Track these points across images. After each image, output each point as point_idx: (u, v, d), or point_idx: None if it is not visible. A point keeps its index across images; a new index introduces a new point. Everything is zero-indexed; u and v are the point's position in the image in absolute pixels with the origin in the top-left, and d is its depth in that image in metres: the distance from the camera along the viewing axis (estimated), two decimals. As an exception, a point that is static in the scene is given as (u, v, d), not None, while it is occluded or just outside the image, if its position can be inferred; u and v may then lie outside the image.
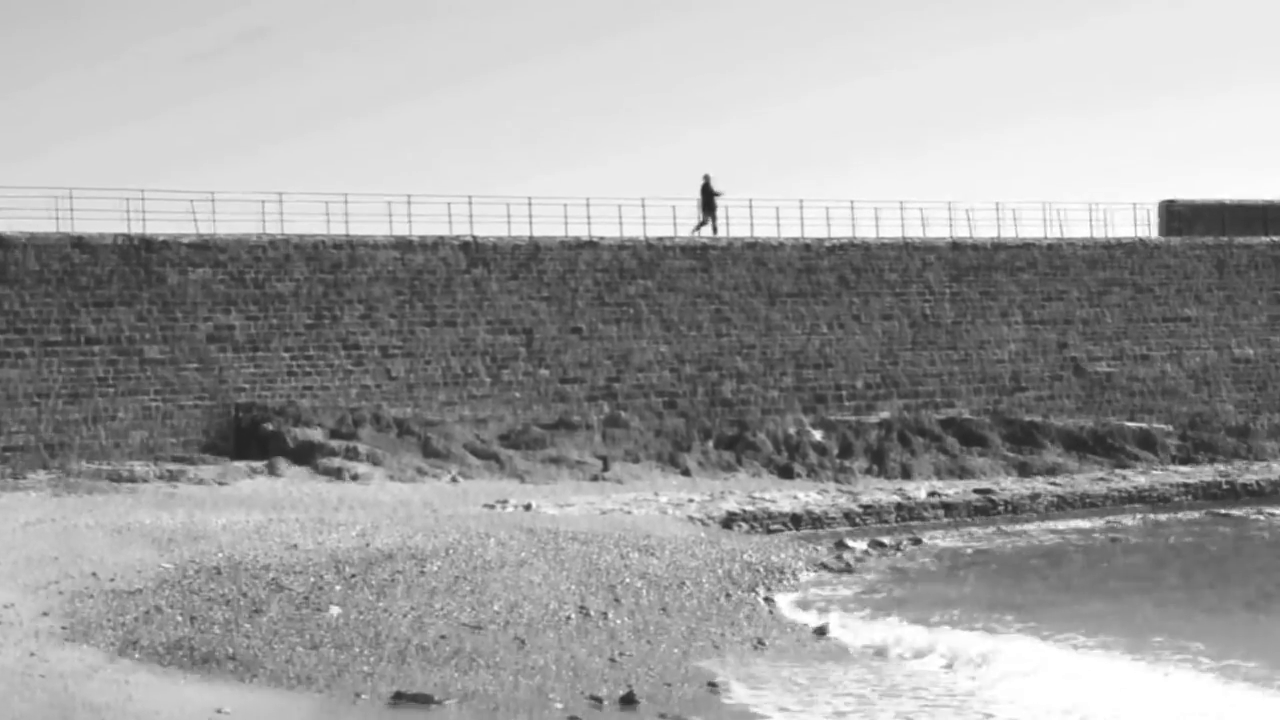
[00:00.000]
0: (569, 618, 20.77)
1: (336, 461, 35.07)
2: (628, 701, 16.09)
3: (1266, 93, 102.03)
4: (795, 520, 33.65)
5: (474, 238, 39.13)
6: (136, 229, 36.05)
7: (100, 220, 35.83)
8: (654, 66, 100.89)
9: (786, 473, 38.67)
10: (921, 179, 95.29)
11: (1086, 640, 20.40)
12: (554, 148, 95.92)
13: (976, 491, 37.07)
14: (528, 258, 39.42)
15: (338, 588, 21.22)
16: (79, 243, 35.35)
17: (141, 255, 35.81)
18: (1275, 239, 47.89)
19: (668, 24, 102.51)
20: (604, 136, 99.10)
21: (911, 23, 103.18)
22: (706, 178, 41.65)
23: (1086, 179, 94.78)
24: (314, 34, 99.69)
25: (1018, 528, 33.81)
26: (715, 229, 41.85)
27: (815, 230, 42.82)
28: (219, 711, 14.11)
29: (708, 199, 41.69)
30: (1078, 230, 45.89)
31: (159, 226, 36.35)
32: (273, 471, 34.32)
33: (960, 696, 17.32)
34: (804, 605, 23.91)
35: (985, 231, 44.73)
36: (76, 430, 34.54)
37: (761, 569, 26.89)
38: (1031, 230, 45.34)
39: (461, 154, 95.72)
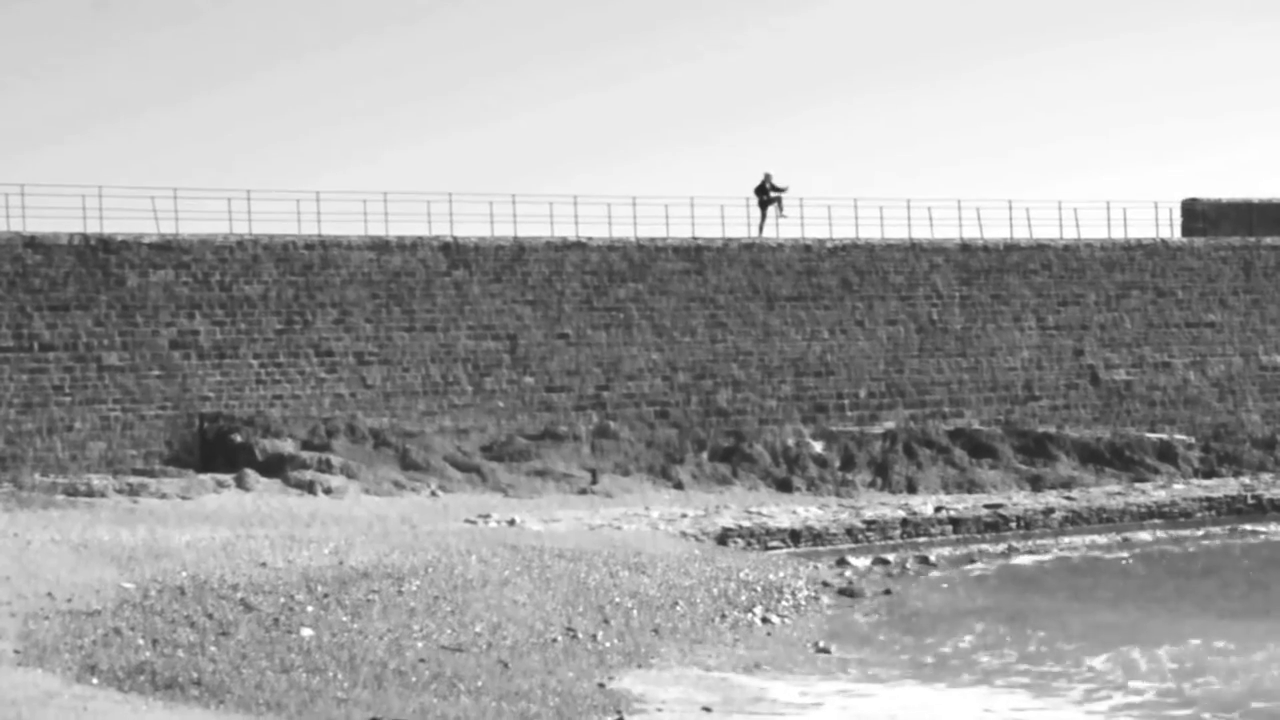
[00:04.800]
0: (555, 639, 20.79)
1: (308, 474, 35.06)
2: (617, 728, 16.12)
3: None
4: (794, 536, 33.70)
5: (454, 238, 39.15)
6: (94, 228, 36.03)
7: (55, 219, 35.85)
8: (651, 67, 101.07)
9: (785, 486, 38.73)
10: (929, 176, 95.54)
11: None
12: (539, 147, 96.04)
13: (986, 506, 37.14)
14: (511, 259, 39.44)
15: (310, 608, 21.21)
16: (32, 242, 35.31)
17: (99, 256, 35.76)
18: (1303, 239, 48.00)
19: (661, 28, 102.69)
20: (592, 136, 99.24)
21: (922, 29, 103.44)
22: (765, 176, 41.61)
23: (1104, 177, 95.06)
24: (288, 30, 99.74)
25: (1028, 544, 33.84)
26: (762, 229, 41.89)
27: (816, 230, 42.92)
28: (183, 739, 14.12)
29: (762, 197, 41.66)
30: (1095, 230, 46.02)
31: (118, 225, 36.36)
32: (240, 485, 34.30)
33: None
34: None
35: (996, 232, 44.82)
36: (31, 442, 34.48)
37: (759, 588, 26.92)
38: (1046, 230, 45.45)
39: (441, 150, 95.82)
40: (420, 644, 19.57)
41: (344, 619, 20.73)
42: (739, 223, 42.24)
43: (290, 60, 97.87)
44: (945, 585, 28.67)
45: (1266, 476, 42.44)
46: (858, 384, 41.99)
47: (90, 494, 32.89)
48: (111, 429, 35.25)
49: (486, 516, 32.95)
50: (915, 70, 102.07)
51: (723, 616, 24.21)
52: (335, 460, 35.75)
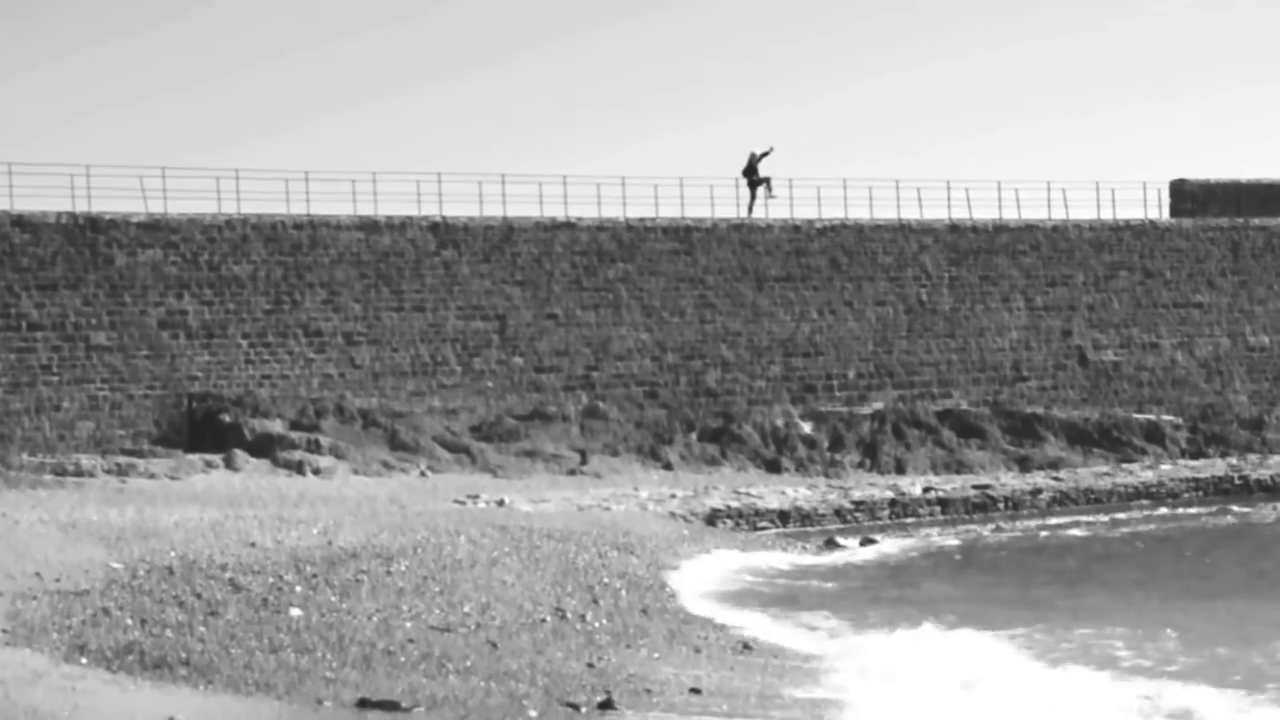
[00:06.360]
0: (544, 620, 20.80)
1: (297, 455, 35.05)
2: (606, 707, 16.13)
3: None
4: (783, 517, 33.78)
5: (444, 218, 39.07)
6: (82, 207, 35.94)
7: (43, 198, 35.75)
8: (641, 49, 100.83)
9: (774, 467, 38.78)
10: (918, 157, 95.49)
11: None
12: (529, 127, 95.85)
13: (974, 487, 37.23)
14: (501, 239, 39.38)
15: (298, 588, 21.21)
16: (20, 221, 35.19)
17: (87, 235, 35.65)
18: (1291, 221, 48.03)
19: (651, 11, 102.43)
20: (581, 119, 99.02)
21: (910, 9, 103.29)
22: (751, 156, 41.38)
23: (1093, 157, 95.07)
24: (278, 11, 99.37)
25: (1016, 524, 33.95)
26: (751, 210, 41.77)
27: (805, 211, 42.91)
28: (171, 719, 14.10)
29: (750, 179, 41.48)
30: (1083, 211, 46.06)
31: (106, 205, 36.25)
32: (229, 465, 34.29)
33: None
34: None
35: (985, 212, 44.82)
36: (18, 421, 34.41)
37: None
38: (1034, 211, 45.46)
39: (430, 130, 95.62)
40: (409, 624, 19.57)
41: (332, 599, 20.73)
42: (728, 203, 42.27)
43: (280, 42, 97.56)
44: (928, 563, 28.74)
45: (1253, 457, 42.56)
46: (846, 364, 42.01)
47: (78, 474, 32.86)
48: (100, 409, 35.19)
49: (475, 497, 32.97)
50: (903, 50, 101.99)
51: (711, 596, 24.26)
52: (324, 440, 35.74)
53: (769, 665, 19.16)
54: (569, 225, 40.13)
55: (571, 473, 36.77)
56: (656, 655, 19.30)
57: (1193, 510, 36.17)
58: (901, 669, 18.85)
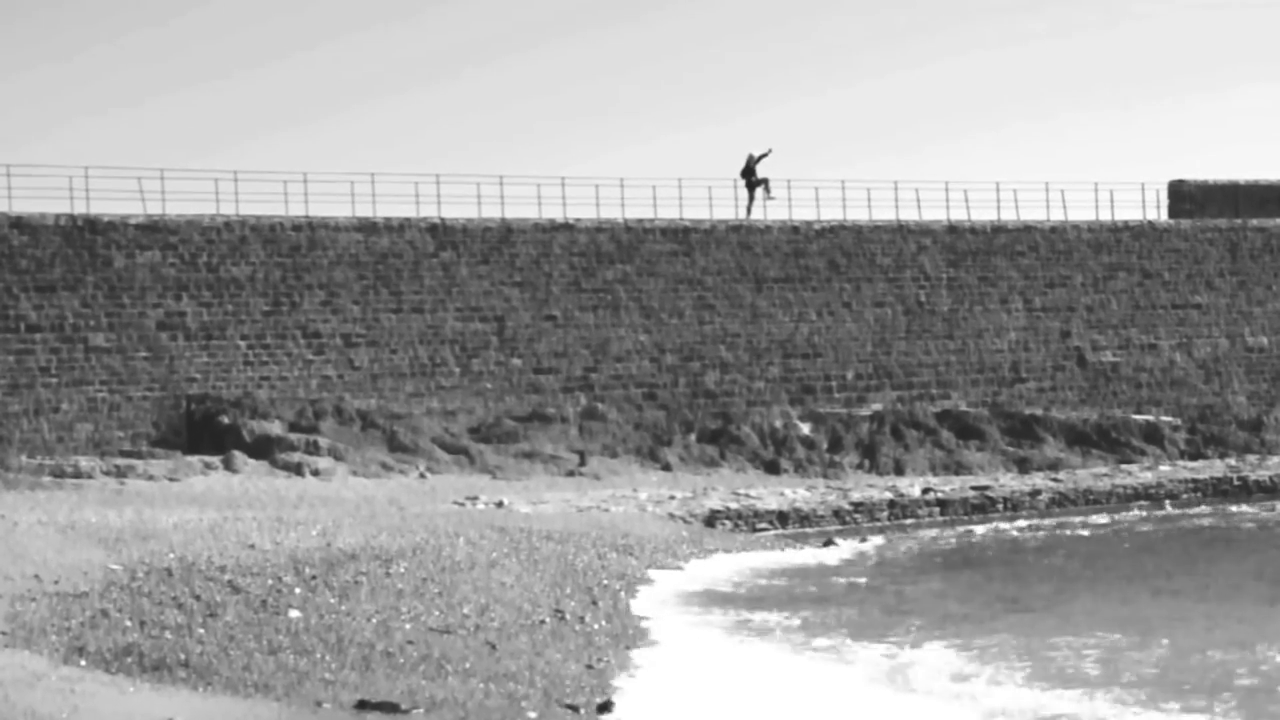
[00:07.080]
0: (543, 621, 20.80)
1: (296, 456, 35.04)
2: (605, 709, 16.14)
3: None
4: (782, 518, 33.78)
5: (442, 219, 39.07)
6: (80, 209, 35.93)
7: (42, 199, 35.75)
8: (638, 55, 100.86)
9: (773, 468, 38.78)
10: (916, 158, 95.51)
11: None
12: (527, 128, 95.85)
13: (973, 488, 37.24)
14: (499, 240, 39.38)
15: (297, 590, 21.21)
16: (18, 223, 35.18)
17: (86, 237, 35.65)
18: (1289, 221, 48.02)
19: (649, 12, 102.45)
20: (583, 120, 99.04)
21: (907, 10, 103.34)
22: (749, 157, 41.38)
23: (1091, 158, 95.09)
24: (281, 19, 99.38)
25: (1012, 525, 33.97)
26: (750, 211, 41.77)
27: (804, 212, 42.90)
28: (170, 721, 14.11)
29: (749, 178, 41.47)
30: (1082, 212, 46.05)
31: (105, 206, 36.27)
32: (228, 467, 34.29)
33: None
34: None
35: (984, 214, 44.84)
36: (17, 423, 34.40)
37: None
38: (1033, 212, 45.48)
39: (429, 131, 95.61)
40: (408, 626, 19.57)
41: (331, 601, 20.73)
42: (727, 204, 42.27)
43: (279, 43, 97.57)
44: (921, 565, 28.73)
45: (1252, 458, 42.55)
46: (845, 366, 42.01)
47: (77, 475, 32.85)
48: (98, 410, 35.17)
49: (474, 498, 32.98)
50: (902, 50, 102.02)
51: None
52: (323, 442, 35.74)
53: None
54: (567, 226, 40.14)
55: (570, 474, 36.77)
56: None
57: (1191, 511, 36.19)
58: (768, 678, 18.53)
